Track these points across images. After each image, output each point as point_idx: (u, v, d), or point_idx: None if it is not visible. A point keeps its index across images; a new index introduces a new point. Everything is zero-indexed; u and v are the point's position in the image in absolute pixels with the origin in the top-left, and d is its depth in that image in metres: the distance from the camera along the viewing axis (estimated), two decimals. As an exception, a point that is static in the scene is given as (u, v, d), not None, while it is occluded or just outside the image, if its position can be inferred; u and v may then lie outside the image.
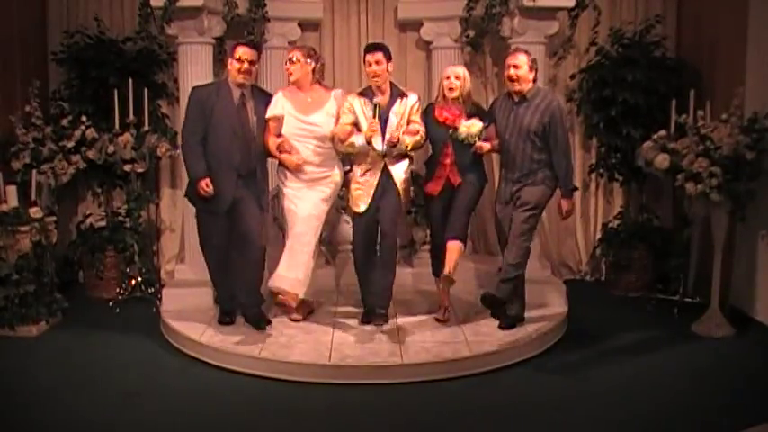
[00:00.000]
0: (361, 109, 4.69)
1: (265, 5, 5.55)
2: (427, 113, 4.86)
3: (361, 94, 4.78)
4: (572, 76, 6.23)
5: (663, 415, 3.82)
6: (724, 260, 5.11)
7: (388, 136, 4.65)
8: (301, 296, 4.68)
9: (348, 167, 4.97)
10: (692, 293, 5.56)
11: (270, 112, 4.76)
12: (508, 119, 4.65)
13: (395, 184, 4.72)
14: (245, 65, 4.64)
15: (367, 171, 4.73)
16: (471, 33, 5.72)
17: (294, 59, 4.74)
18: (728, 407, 3.90)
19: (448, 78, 4.77)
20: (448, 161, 4.78)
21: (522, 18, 5.41)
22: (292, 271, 4.57)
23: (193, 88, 4.79)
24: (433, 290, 5.22)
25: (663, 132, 5.29)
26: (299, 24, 5.89)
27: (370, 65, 4.66)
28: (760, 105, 4.91)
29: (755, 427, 3.59)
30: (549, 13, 5.43)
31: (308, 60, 4.74)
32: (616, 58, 5.97)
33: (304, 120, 4.72)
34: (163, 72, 6.14)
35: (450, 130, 4.65)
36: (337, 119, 4.72)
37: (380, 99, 4.66)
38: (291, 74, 4.77)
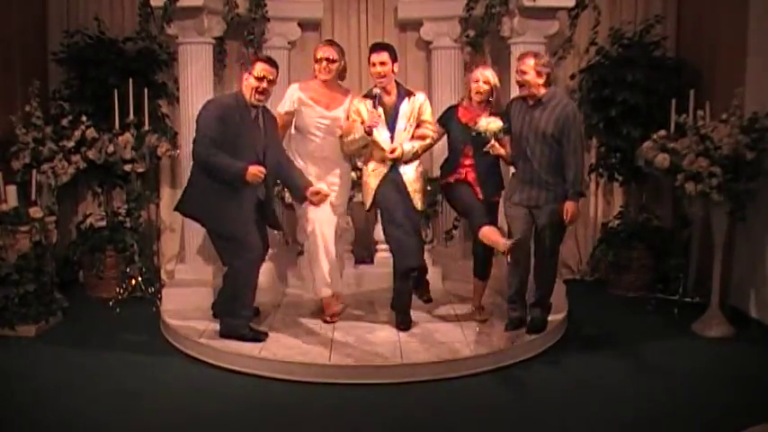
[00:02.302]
0: (366, 111, 4.64)
1: (265, 5, 5.56)
2: (449, 114, 4.85)
3: (366, 96, 4.74)
4: (572, 76, 6.23)
5: (663, 415, 3.82)
6: (724, 260, 5.11)
7: (397, 137, 4.64)
8: (327, 294, 4.85)
9: (359, 167, 5.00)
10: (691, 293, 5.56)
11: (285, 107, 4.76)
12: (523, 122, 4.62)
13: (406, 188, 4.67)
14: (264, 83, 4.48)
15: (375, 169, 4.72)
16: (471, 33, 5.73)
17: (332, 58, 4.75)
18: (728, 407, 3.90)
19: (477, 82, 4.72)
20: (468, 162, 4.74)
21: (521, 18, 5.41)
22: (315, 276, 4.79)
23: (211, 102, 4.55)
24: (435, 288, 5.21)
25: (663, 132, 5.29)
26: (299, 24, 5.90)
27: (374, 65, 4.61)
28: (760, 105, 4.91)
29: (755, 427, 3.59)
30: (548, 12, 5.43)
31: (342, 58, 4.82)
32: (616, 58, 5.98)
33: (327, 115, 4.76)
34: (163, 72, 6.15)
35: (471, 124, 4.63)
36: (347, 121, 4.73)
37: (379, 91, 4.62)
38: (330, 72, 4.75)
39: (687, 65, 5.96)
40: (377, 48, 4.69)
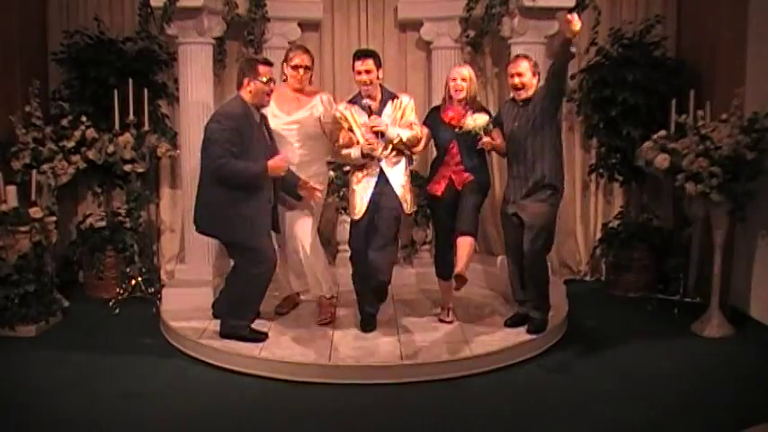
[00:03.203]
0: (352, 117, 4.62)
1: (265, 5, 5.57)
2: (432, 115, 4.88)
3: (351, 102, 4.69)
4: (572, 77, 6.18)
5: (663, 415, 3.82)
6: (724, 260, 5.11)
7: (382, 140, 4.57)
8: (324, 293, 4.97)
9: (348, 168, 4.98)
10: (691, 293, 5.56)
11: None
12: (514, 120, 4.65)
13: (393, 190, 4.62)
14: (272, 85, 4.50)
15: (364, 177, 4.65)
16: (471, 33, 5.73)
17: (309, 66, 4.76)
18: (728, 407, 3.90)
19: (454, 80, 4.74)
20: (453, 161, 4.75)
21: (522, 18, 5.41)
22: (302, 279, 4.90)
23: (221, 114, 4.42)
24: (434, 289, 5.23)
25: (663, 132, 5.30)
26: (299, 24, 5.90)
27: (359, 73, 4.56)
28: (760, 105, 4.91)
29: (755, 427, 3.59)
30: (548, 13, 5.42)
31: (312, 63, 4.83)
32: (616, 58, 5.97)
33: (288, 119, 4.77)
34: (163, 72, 6.14)
35: (458, 127, 4.63)
36: (336, 126, 4.68)
37: (370, 102, 4.58)
38: (305, 80, 4.77)
39: (687, 65, 5.95)
40: (361, 55, 4.60)
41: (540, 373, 4.38)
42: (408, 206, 4.71)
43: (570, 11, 5.49)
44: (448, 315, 4.98)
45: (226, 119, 4.39)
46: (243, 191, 4.39)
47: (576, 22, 4.19)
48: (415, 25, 6.03)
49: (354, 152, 4.59)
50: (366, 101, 4.60)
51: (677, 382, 4.24)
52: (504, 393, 4.11)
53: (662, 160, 5.09)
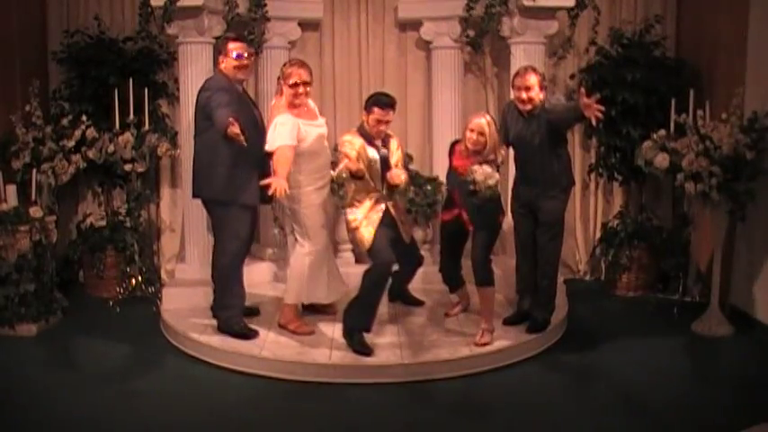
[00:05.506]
0: (363, 150, 4.45)
1: (265, 5, 5.56)
2: (450, 153, 4.76)
3: (360, 132, 4.50)
4: (572, 76, 6.23)
5: (662, 415, 3.82)
6: (724, 260, 5.11)
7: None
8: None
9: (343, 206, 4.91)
10: (691, 293, 5.56)
11: (294, 139, 4.47)
12: (519, 129, 4.64)
13: (395, 219, 4.63)
14: (244, 60, 4.61)
15: (370, 210, 4.53)
16: (471, 33, 5.73)
17: (309, 81, 4.58)
18: (728, 407, 3.91)
19: (472, 131, 4.48)
20: (458, 204, 4.66)
21: (521, 18, 5.41)
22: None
23: (210, 85, 4.52)
24: (434, 288, 5.23)
25: (662, 132, 5.30)
26: (299, 24, 5.89)
27: (381, 123, 4.41)
28: (760, 105, 4.92)
29: (755, 427, 3.60)
30: (548, 12, 5.44)
31: (311, 77, 4.69)
32: (616, 58, 5.97)
33: (320, 125, 4.73)
34: (163, 72, 6.14)
35: (461, 171, 4.50)
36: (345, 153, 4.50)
37: (385, 152, 4.52)
38: (308, 95, 4.61)
39: (687, 65, 5.95)
40: (386, 105, 4.41)
41: (539, 373, 4.38)
42: (408, 234, 4.81)
43: (570, 10, 5.55)
44: (482, 336, 4.56)
45: (213, 85, 4.56)
46: (233, 155, 4.44)
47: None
48: (415, 25, 6.03)
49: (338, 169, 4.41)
50: (384, 151, 4.52)
51: (677, 381, 4.25)
52: (503, 393, 4.11)
53: (662, 160, 5.09)
